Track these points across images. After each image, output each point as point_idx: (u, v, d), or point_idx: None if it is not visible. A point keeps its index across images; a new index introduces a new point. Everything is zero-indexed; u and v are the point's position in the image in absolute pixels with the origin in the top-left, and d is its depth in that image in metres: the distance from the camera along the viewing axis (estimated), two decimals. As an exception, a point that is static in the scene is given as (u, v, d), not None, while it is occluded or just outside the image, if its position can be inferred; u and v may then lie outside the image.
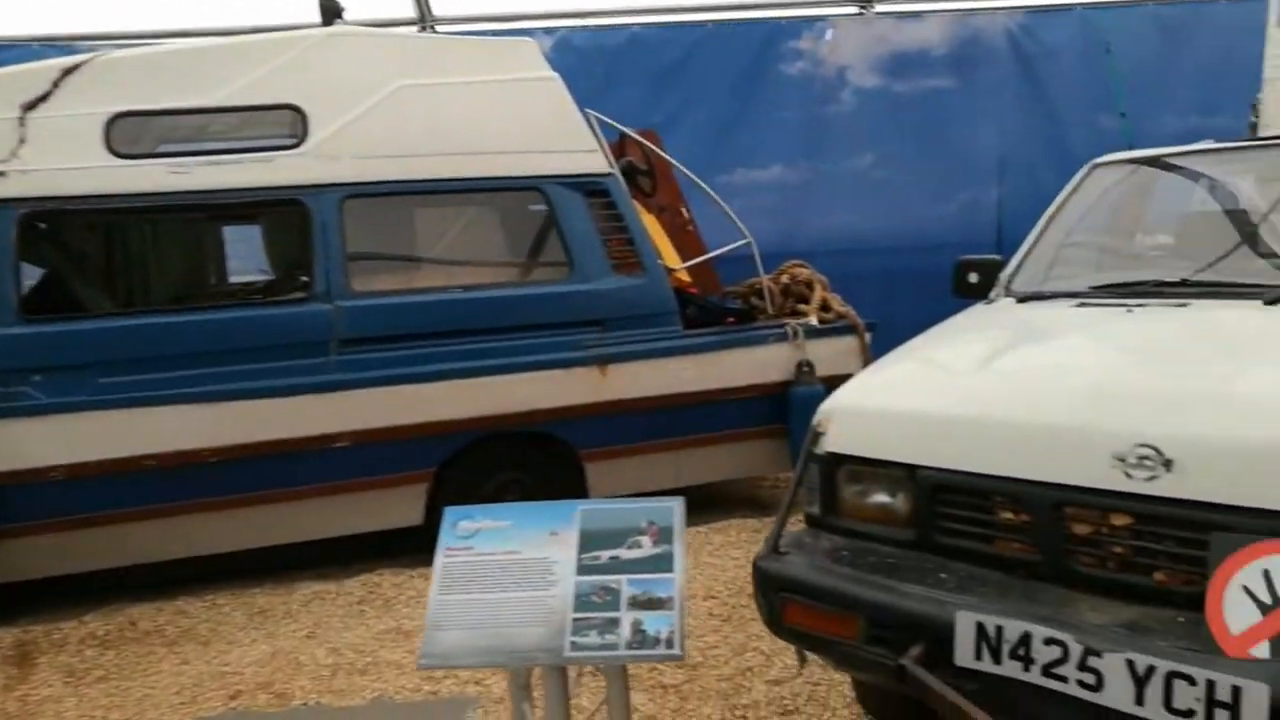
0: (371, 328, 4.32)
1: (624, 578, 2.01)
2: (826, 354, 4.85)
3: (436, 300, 4.42)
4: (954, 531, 2.20)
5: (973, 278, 3.36)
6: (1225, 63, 6.36)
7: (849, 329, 5.04)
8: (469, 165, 4.51)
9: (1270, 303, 2.52)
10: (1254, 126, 4.25)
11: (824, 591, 2.17)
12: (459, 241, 4.83)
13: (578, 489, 4.52)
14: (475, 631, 1.97)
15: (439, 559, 2.09)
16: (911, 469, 2.24)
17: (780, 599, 2.26)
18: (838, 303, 5.13)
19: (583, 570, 2.03)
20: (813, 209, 7.10)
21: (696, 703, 3.04)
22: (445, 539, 2.12)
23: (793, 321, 4.93)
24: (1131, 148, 3.82)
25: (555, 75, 4.74)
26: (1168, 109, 6.81)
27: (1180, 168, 3.50)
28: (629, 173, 5.11)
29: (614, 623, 1.95)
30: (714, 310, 5.08)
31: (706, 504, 5.14)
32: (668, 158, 5.31)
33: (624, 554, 2.05)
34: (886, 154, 7.20)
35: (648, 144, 5.26)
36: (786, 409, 4.76)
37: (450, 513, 2.16)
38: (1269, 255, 2.92)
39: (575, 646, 1.92)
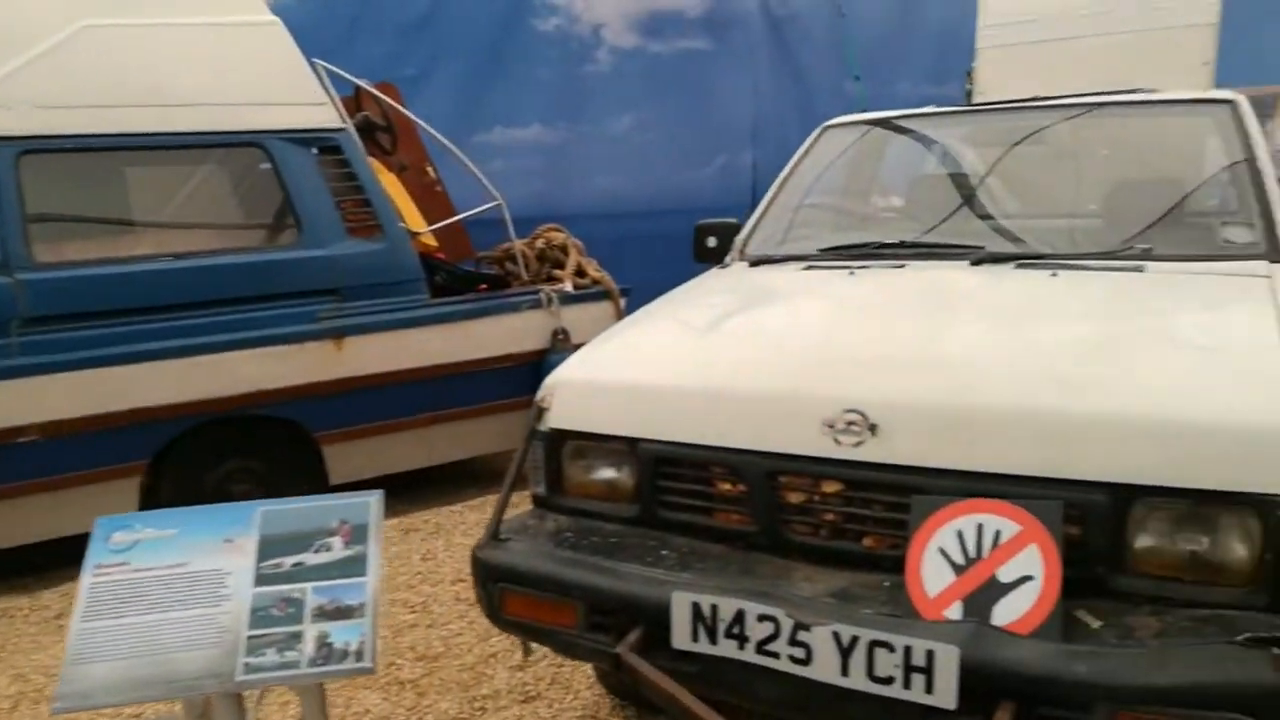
0: (62, 303, 3.76)
1: (309, 586, 1.79)
2: (582, 321, 4.73)
3: (141, 271, 3.91)
4: (676, 505, 2.12)
5: (711, 242, 3.32)
6: (956, 31, 6.73)
7: (604, 295, 4.95)
8: (175, 118, 4.01)
9: (975, 263, 2.62)
10: (969, 94, 4.49)
11: (541, 579, 2.04)
12: (169, 204, 4.31)
13: (316, 475, 4.19)
14: (129, 662, 1.69)
15: (84, 579, 1.78)
16: (634, 443, 2.15)
17: (499, 590, 2.11)
18: (593, 268, 5.03)
19: (262, 581, 1.79)
20: (573, 171, 6.97)
21: (435, 697, 2.86)
22: (94, 554, 1.81)
23: (547, 288, 4.78)
24: (866, 111, 3.91)
25: (276, 20, 4.30)
26: (903, 76, 7.16)
27: (907, 131, 3.61)
28: (366, 129, 4.75)
29: (296, 637, 1.73)
30: (464, 277, 4.85)
31: (463, 480, 4.94)
32: (409, 114, 4.98)
33: (310, 559, 1.82)
34: (645, 116, 7.17)
35: (385, 98, 4.91)
36: (542, 378, 4.61)
37: (102, 523, 1.85)
38: (982, 217, 3.05)
39: (249, 669, 1.69)
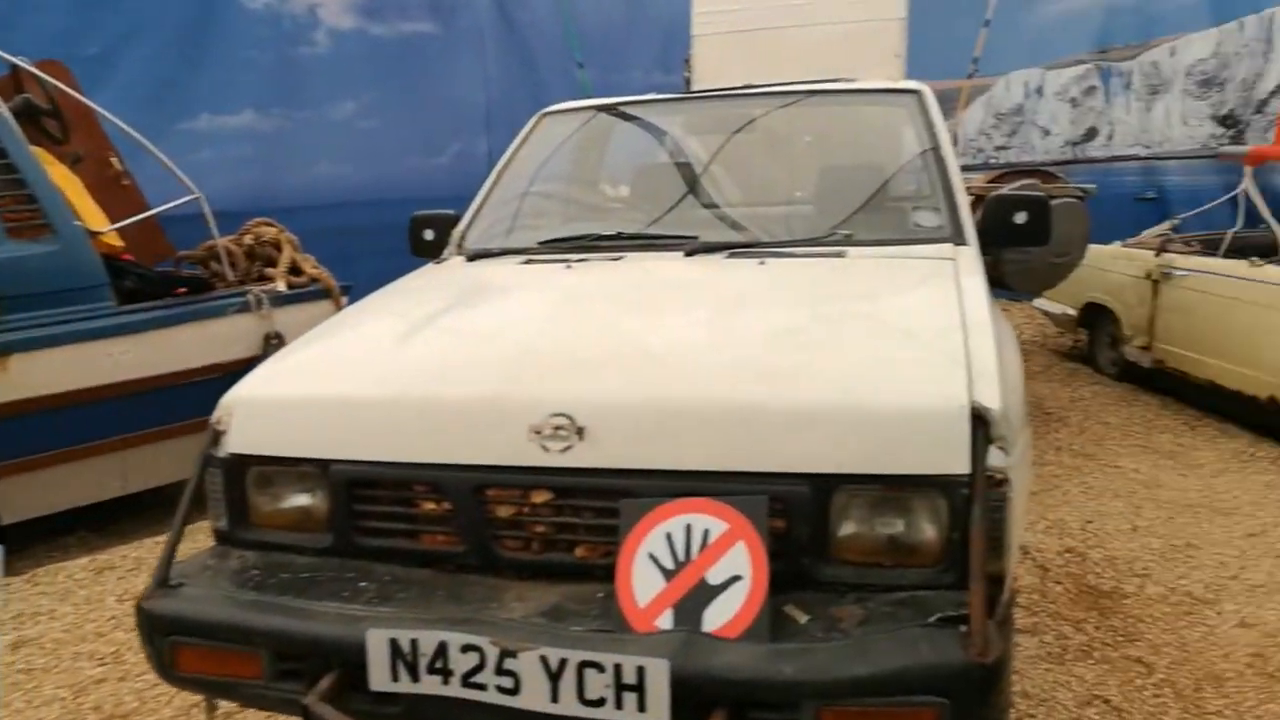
0: None
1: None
2: (299, 323, 4.34)
3: None
4: (377, 531, 1.93)
5: (428, 234, 3.14)
6: (681, 18, 6.84)
7: (324, 293, 4.60)
8: None
9: (690, 254, 2.59)
10: (688, 81, 4.54)
11: (218, 628, 1.79)
12: None
13: (-17, 515, 3.60)
14: None
15: None
16: (325, 465, 1.93)
17: (169, 644, 1.83)
18: (310, 265, 4.66)
19: None
20: (293, 160, 6.49)
21: (123, 764, 2.50)
22: None
23: (257, 288, 4.36)
24: (592, 98, 3.83)
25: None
26: (635, 63, 7.20)
27: (625, 117, 3.56)
28: (27, 113, 4.13)
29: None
30: (159, 280, 4.32)
31: (172, 508, 4.44)
32: (82, 97, 4.38)
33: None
34: (370, 101, 6.79)
35: (49, 78, 4.28)
36: (257, 387, 4.20)
37: None
38: (706, 206, 3.04)
39: None
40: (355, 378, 2.03)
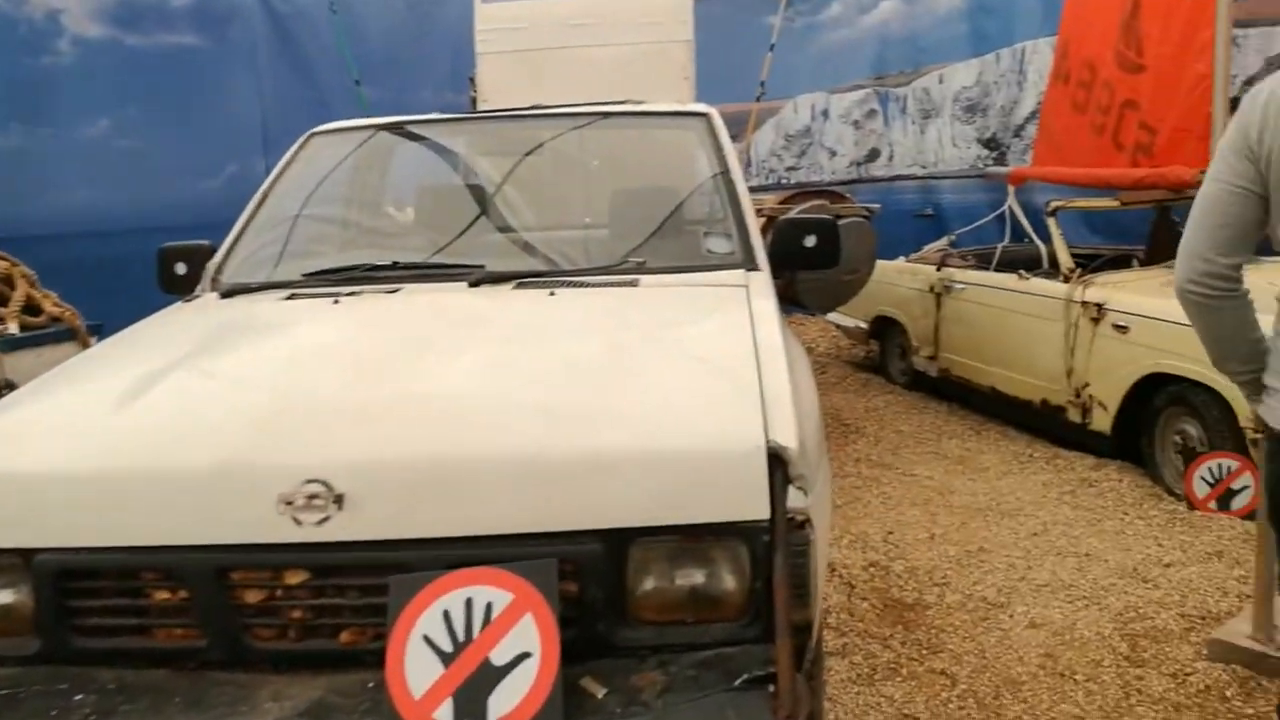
0: None
1: None
2: (37, 369, 3.78)
3: None
4: (98, 629, 1.62)
5: (180, 268, 2.79)
6: (470, 36, 6.64)
7: (68, 334, 4.08)
8: None
9: (474, 284, 2.41)
10: (474, 100, 4.36)
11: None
12: None
13: None
14: None
15: None
16: (28, 554, 1.60)
17: None
18: (51, 302, 4.13)
19: None
20: (36, 183, 5.80)
21: None
22: None
23: (-19, 331, 3.81)
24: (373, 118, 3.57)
25: None
26: (425, 82, 6.92)
27: (407, 137, 3.34)
28: None
29: None
30: None
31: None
32: None
33: None
34: (129, 119, 6.18)
35: None
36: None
37: None
38: (486, 233, 2.86)
39: None
40: (65, 446, 1.70)
